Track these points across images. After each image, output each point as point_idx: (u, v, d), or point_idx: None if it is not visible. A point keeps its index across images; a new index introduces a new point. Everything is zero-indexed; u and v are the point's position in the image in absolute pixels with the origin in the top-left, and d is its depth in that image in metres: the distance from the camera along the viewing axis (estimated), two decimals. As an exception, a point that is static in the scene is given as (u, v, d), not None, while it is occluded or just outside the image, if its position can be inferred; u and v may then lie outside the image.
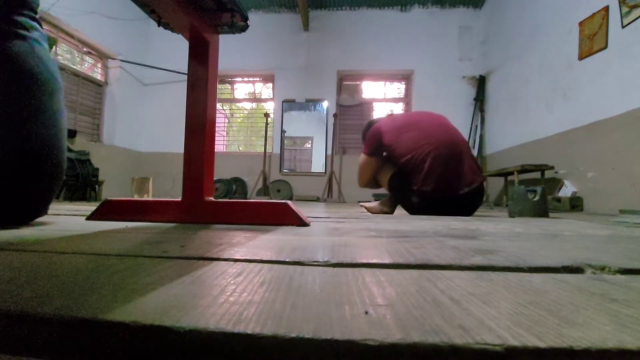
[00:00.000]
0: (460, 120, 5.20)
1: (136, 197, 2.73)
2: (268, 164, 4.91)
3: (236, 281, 0.29)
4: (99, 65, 4.77)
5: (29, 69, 0.65)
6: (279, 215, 0.78)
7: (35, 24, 0.70)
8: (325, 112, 5.35)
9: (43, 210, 0.75)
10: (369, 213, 1.63)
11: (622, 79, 2.65)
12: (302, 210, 0.82)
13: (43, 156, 0.67)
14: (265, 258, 0.38)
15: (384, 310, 0.22)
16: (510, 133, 4.34)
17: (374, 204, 1.71)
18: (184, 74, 0.98)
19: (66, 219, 0.89)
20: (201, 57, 0.84)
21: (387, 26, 5.30)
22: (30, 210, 0.71)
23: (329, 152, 5.19)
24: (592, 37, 2.97)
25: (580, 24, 3.12)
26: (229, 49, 5.01)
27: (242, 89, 6.17)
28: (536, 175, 3.43)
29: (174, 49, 5.05)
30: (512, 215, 1.57)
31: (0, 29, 0.64)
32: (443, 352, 0.17)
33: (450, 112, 5.28)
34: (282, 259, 0.38)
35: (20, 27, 0.66)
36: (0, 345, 0.19)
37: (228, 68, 5.30)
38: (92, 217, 0.84)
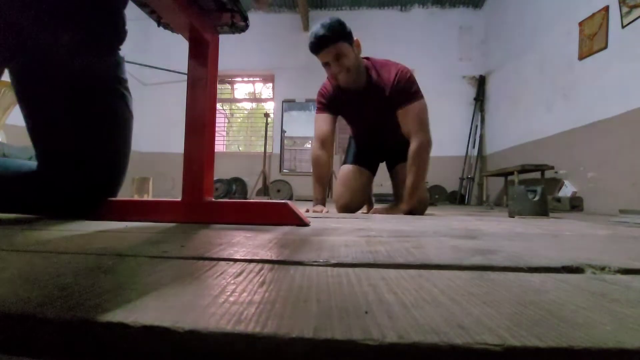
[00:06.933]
0: (460, 120, 5.20)
1: (136, 197, 2.73)
2: (268, 164, 4.91)
3: (236, 281, 0.29)
4: (99, 65, 4.77)
5: (122, 116, 0.94)
6: (279, 215, 0.78)
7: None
8: (325, 112, 5.34)
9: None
10: (369, 213, 1.63)
11: (622, 79, 2.65)
12: (302, 210, 0.82)
13: (123, 163, 0.94)
14: (265, 258, 0.38)
15: (384, 310, 0.22)
16: (510, 133, 4.34)
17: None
18: (184, 74, 0.99)
19: (66, 218, 0.88)
20: (201, 57, 0.84)
21: (387, 26, 5.30)
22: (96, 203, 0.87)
23: (329, 152, 5.19)
24: (592, 37, 2.97)
25: (580, 24, 3.12)
26: (229, 49, 4.99)
27: (242, 89, 6.18)
28: (536, 175, 3.43)
29: (174, 49, 5.04)
30: (512, 215, 1.57)
31: (115, 89, 0.91)
32: (443, 352, 0.17)
33: (451, 112, 5.31)
34: (282, 259, 0.38)
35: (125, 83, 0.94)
36: (0, 346, 0.19)
37: (228, 68, 5.30)
38: (92, 216, 0.84)
